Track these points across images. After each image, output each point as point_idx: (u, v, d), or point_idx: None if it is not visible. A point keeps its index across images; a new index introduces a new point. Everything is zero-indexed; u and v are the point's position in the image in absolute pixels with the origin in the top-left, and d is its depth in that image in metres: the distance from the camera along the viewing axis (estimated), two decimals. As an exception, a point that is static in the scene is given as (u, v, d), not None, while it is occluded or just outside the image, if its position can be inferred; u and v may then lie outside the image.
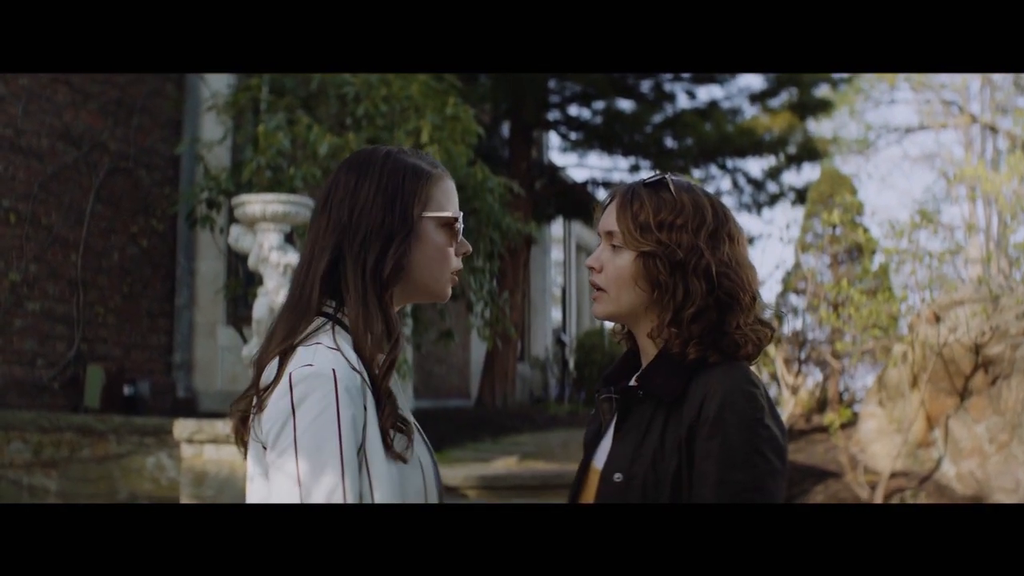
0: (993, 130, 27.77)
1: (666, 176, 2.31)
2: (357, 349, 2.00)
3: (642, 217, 2.25)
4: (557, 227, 25.00)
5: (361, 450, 1.91)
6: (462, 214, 2.20)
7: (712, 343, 2.19)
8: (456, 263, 2.18)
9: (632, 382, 2.34)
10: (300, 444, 1.87)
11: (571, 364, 22.31)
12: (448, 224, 2.15)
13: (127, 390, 11.55)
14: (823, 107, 18.64)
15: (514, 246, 14.68)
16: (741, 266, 2.26)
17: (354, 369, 1.95)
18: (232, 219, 9.33)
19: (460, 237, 2.20)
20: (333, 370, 1.91)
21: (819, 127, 25.43)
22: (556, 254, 25.64)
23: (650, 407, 2.21)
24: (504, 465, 10.73)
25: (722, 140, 17.36)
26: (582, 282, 27.09)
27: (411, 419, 2.09)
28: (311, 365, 1.92)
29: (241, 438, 2.07)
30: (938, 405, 9.33)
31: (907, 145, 50.91)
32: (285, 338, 2.03)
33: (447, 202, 2.16)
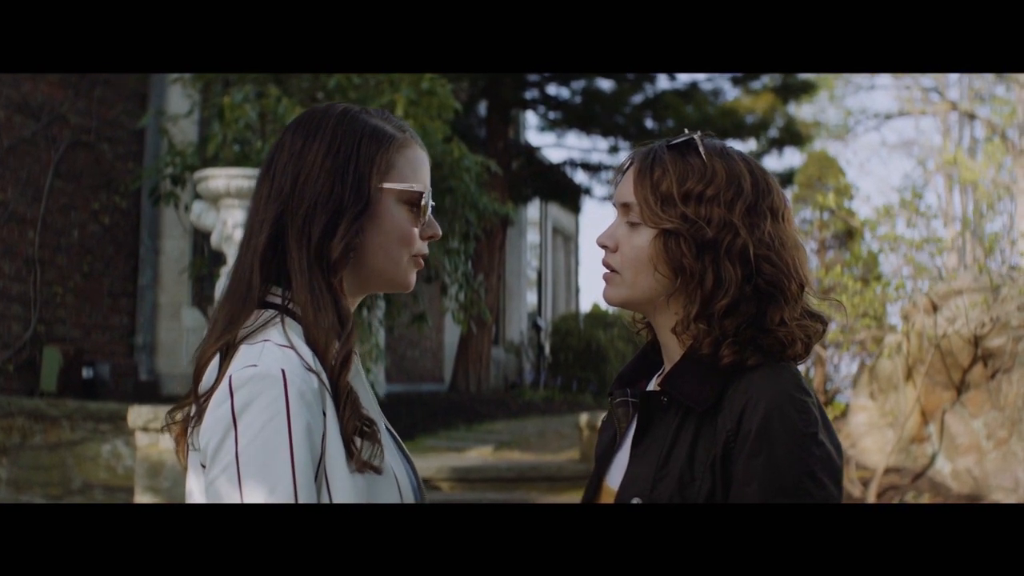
0: (971, 117, 27.61)
1: (695, 136, 1.92)
2: (311, 342, 1.67)
3: (664, 186, 1.87)
4: (533, 209, 24.74)
5: (320, 466, 1.59)
6: (430, 189, 1.85)
7: (750, 342, 1.81)
8: (420, 247, 1.83)
9: (653, 384, 1.98)
10: (243, 461, 1.54)
11: (547, 349, 22.05)
12: (412, 200, 1.80)
13: (86, 373, 11.28)
14: (806, 89, 18.57)
15: (490, 227, 14.51)
16: (786, 247, 1.87)
17: (309, 369, 1.62)
18: (197, 195, 8.99)
19: (428, 216, 1.84)
20: (282, 371, 1.58)
21: (799, 111, 25.29)
22: (532, 236, 25.38)
23: (676, 416, 1.84)
24: (479, 455, 10.53)
25: (704, 122, 17.02)
26: (558, 265, 26.99)
27: (380, 420, 1.77)
28: (255, 365, 1.59)
29: (183, 454, 1.74)
30: (934, 399, 9.02)
31: (885, 132, 51.00)
32: (224, 332, 1.70)
33: (412, 173, 1.81)
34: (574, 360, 20.35)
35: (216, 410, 1.58)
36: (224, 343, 1.67)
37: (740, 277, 1.81)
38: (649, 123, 17.75)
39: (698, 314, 1.83)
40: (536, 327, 22.75)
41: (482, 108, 18.38)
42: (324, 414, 1.60)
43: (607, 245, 1.94)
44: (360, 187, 1.74)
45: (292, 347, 1.63)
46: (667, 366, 1.95)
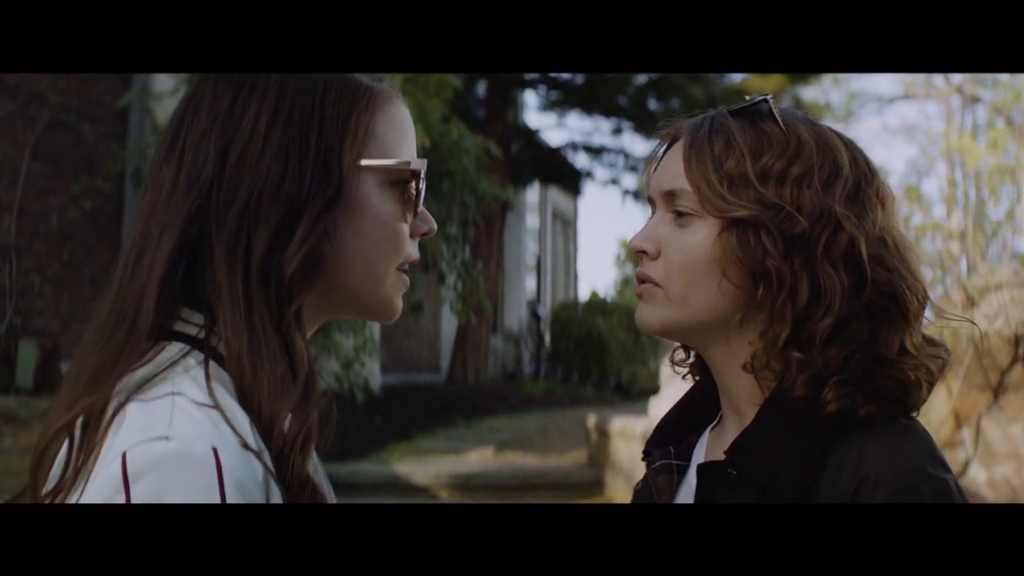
0: (975, 100, 27.25)
1: (767, 99, 1.35)
2: (248, 406, 1.02)
3: (731, 162, 1.31)
4: (532, 193, 24.35)
5: None
6: (425, 163, 1.21)
7: (862, 383, 1.24)
8: (410, 251, 1.20)
9: (706, 443, 1.44)
10: None
11: (546, 339, 21.64)
12: (401, 180, 1.17)
13: (65, 368, 10.73)
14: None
15: (489, 212, 14.06)
16: (900, 247, 1.31)
17: (247, 448, 0.98)
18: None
19: (420, 205, 1.21)
20: (214, 449, 0.95)
21: (803, 94, 25.00)
22: (531, 221, 24.98)
23: (752, 495, 1.26)
24: (479, 458, 10.18)
25: (710, 103, 16.66)
26: (557, 251, 26.64)
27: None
28: (166, 439, 0.95)
29: None
30: (968, 402, 8.52)
31: (887, 116, 50.96)
32: (84, 393, 1.04)
33: (398, 142, 1.19)
34: (574, 349, 19.92)
35: None
36: (82, 412, 1.03)
37: (847, 286, 1.26)
38: (653, 104, 17.43)
39: (790, 339, 1.26)
40: (536, 316, 22.40)
41: (480, 88, 18.02)
42: None
43: (646, 249, 1.35)
44: (327, 166, 1.12)
45: (218, 407, 1.00)
46: (729, 418, 1.39)
